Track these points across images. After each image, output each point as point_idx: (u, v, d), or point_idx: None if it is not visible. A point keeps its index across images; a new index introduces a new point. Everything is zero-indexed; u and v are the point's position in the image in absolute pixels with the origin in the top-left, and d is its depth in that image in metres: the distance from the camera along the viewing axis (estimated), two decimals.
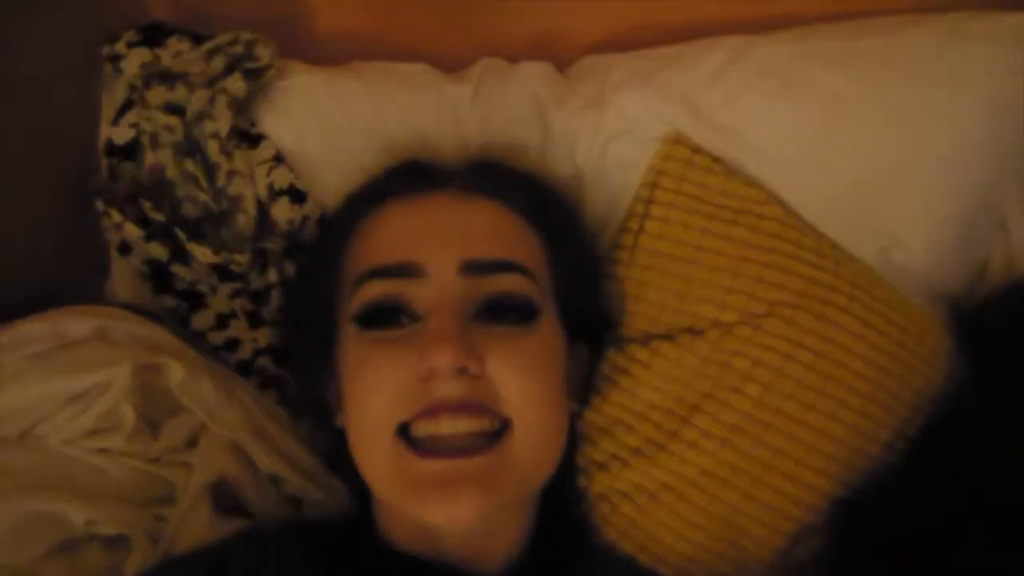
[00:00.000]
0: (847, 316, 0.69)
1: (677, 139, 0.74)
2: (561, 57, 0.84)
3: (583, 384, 0.72)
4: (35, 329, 0.66)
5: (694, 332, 0.70)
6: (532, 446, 0.61)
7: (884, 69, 0.73)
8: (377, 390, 0.60)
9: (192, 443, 0.69)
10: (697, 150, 0.74)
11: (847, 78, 0.73)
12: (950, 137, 0.71)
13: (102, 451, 0.65)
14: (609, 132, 0.75)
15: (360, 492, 0.68)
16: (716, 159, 0.73)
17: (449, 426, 0.58)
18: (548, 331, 0.65)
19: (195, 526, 0.65)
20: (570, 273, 0.70)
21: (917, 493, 0.66)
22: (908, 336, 0.71)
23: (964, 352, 0.73)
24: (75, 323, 0.67)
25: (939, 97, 0.72)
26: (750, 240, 0.71)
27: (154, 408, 0.68)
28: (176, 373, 0.66)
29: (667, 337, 0.71)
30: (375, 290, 0.63)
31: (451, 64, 0.83)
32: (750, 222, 0.72)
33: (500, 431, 0.60)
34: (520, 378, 0.60)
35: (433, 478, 0.57)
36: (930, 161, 0.72)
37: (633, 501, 0.69)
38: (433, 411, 0.58)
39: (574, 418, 0.71)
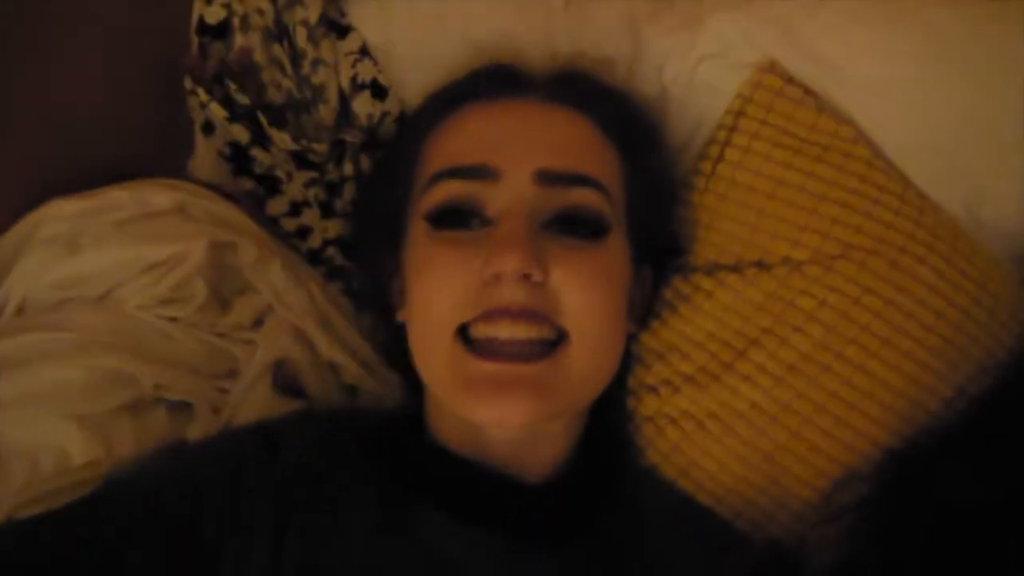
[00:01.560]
0: (923, 267, 0.68)
1: (770, 67, 0.73)
2: None
3: (644, 307, 0.73)
4: (120, 197, 0.70)
5: (762, 266, 0.70)
6: (587, 359, 0.62)
7: (999, 16, 0.70)
8: (441, 289, 0.62)
9: (258, 323, 0.72)
10: (789, 80, 0.72)
11: (959, 19, 0.71)
12: None
13: (173, 320, 0.69)
14: (701, 53, 0.74)
15: (414, 388, 0.71)
16: (808, 91, 0.72)
17: (508, 331, 0.60)
18: (616, 249, 0.66)
19: (255, 402, 0.69)
20: (645, 194, 0.70)
21: (977, 463, 0.65)
22: (984, 293, 0.70)
23: None
24: (157, 195, 0.71)
25: None
26: (833, 179, 0.70)
27: (225, 285, 0.71)
28: (248, 252, 0.69)
29: (734, 269, 0.71)
30: (449, 189, 0.64)
31: None
32: (836, 160, 0.70)
33: (557, 341, 0.62)
34: (582, 291, 0.62)
35: (487, 379, 0.60)
36: None
37: (680, 427, 0.71)
38: (493, 315, 0.60)
39: (630, 339, 0.72)
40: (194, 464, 0.61)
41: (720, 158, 0.73)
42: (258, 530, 0.57)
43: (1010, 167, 0.71)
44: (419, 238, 0.66)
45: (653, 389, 0.72)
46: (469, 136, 0.67)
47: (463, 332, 0.61)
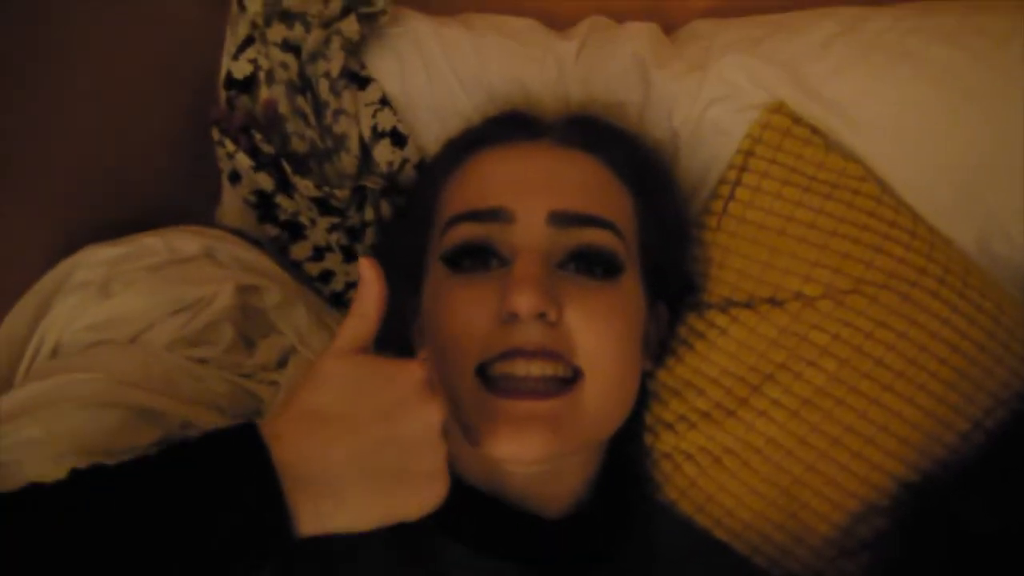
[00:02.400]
0: (935, 300, 0.70)
1: (778, 108, 0.75)
2: (671, 22, 0.85)
3: (660, 344, 0.75)
4: (151, 243, 0.73)
5: (775, 302, 0.72)
6: (602, 398, 0.64)
7: (1002, 50, 0.72)
8: (459, 330, 0.64)
9: (282, 364, 0.75)
10: (797, 120, 0.75)
11: (963, 55, 0.73)
12: None
13: (201, 361, 0.71)
14: (709, 96, 0.77)
15: None
16: (815, 130, 0.74)
17: (524, 369, 0.62)
18: (630, 288, 0.68)
19: None
20: (658, 234, 0.72)
21: (994, 496, 0.66)
22: (999, 327, 0.71)
23: None
24: (186, 241, 0.74)
25: None
26: (843, 215, 0.72)
27: (251, 327, 0.74)
28: (273, 296, 0.72)
29: (747, 305, 0.73)
30: (465, 232, 0.66)
31: (561, 22, 0.86)
32: (845, 197, 0.72)
33: (573, 379, 0.63)
34: (596, 330, 0.63)
35: (505, 416, 0.61)
36: None
37: (697, 463, 0.72)
38: (510, 354, 0.61)
39: (646, 377, 0.74)
40: None
41: (731, 197, 0.75)
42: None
43: (1020, 201, 0.73)
44: (437, 280, 0.68)
45: (670, 425, 0.73)
46: (484, 181, 0.69)
47: (482, 371, 0.63)
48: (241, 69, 0.82)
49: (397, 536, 0.62)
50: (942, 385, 0.69)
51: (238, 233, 0.80)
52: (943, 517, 0.66)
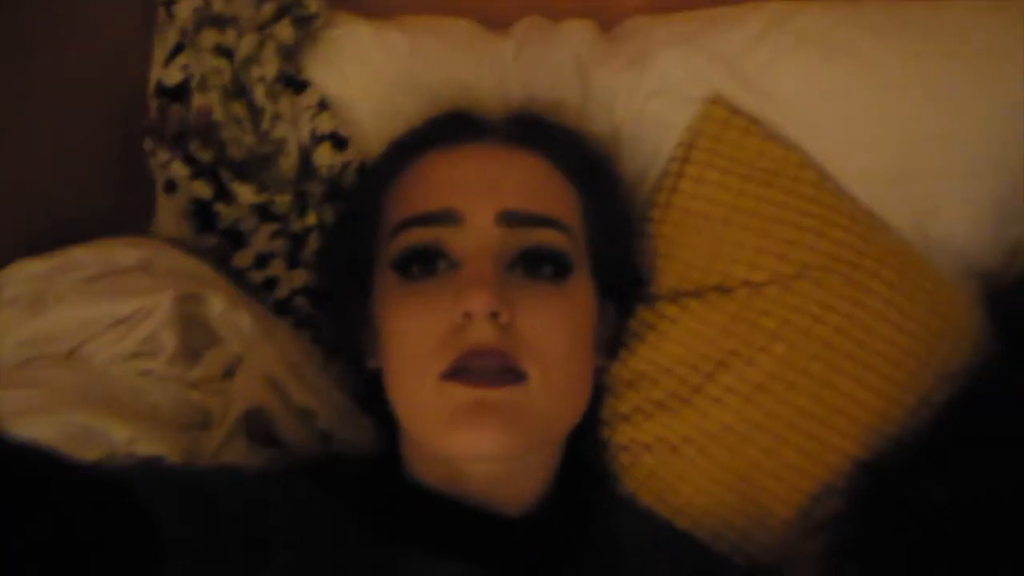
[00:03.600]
0: (877, 281, 0.72)
1: (716, 99, 0.77)
2: (608, 19, 0.87)
3: (612, 339, 0.75)
4: (84, 256, 0.71)
5: (723, 290, 0.73)
6: (553, 399, 0.64)
7: (925, 39, 0.76)
8: (416, 339, 0.63)
9: (229, 374, 0.73)
10: (735, 111, 0.77)
11: (888, 47, 0.76)
12: (989, 110, 0.74)
13: (143, 374, 0.69)
14: (648, 91, 0.78)
15: (388, 431, 0.72)
16: (754, 121, 0.77)
17: (480, 368, 0.62)
18: (580, 287, 0.68)
19: (231, 453, 0.69)
20: (605, 230, 0.73)
21: (943, 468, 0.68)
22: (938, 306, 0.73)
23: (995, 328, 0.75)
24: (122, 252, 0.72)
25: (980, 69, 0.75)
26: (784, 202, 0.74)
27: (194, 337, 0.72)
28: (216, 304, 0.71)
29: (696, 295, 0.74)
30: (413, 237, 0.66)
31: (497, 22, 0.87)
32: (785, 185, 0.74)
33: (523, 376, 0.63)
34: (547, 334, 0.64)
35: (461, 407, 0.61)
36: (969, 134, 0.76)
37: (654, 453, 0.73)
38: (466, 358, 0.61)
39: (599, 372, 0.74)
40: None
41: (675, 189, 0.76)
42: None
43: (953, 186, 0.76)
44: (387, 288, 0.67)
45: (626, 417, 0.74)
46: (430, 183, 0.69)
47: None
48: (172, 76, 0.81)
49: (361, 544, 0.62)
50: (889, 364, 0.71)
51: (176, 242, 0.78)
52: (896, 492, 0.68)
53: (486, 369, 0.61)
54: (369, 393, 0.75)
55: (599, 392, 0.75)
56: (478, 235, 0.65)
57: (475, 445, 0.61)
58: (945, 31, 0.77)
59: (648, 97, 0.79)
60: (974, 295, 0.76)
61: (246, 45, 0.79)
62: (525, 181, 0.69)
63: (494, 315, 0.61)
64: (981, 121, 0.75)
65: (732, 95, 0.78)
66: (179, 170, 0.77)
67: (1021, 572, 0.61)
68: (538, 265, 0.66)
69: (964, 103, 0.75)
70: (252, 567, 0.56)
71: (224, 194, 0.78)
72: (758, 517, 0.71)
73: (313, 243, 0.80)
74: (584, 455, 0.74)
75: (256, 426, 0.71)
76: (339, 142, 0.81)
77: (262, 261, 0.79)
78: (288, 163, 0.80)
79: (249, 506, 0.59)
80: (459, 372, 0.61)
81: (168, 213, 0.81)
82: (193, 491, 0.55)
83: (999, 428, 0.69)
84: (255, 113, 0.80)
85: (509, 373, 0.62)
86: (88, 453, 0.64)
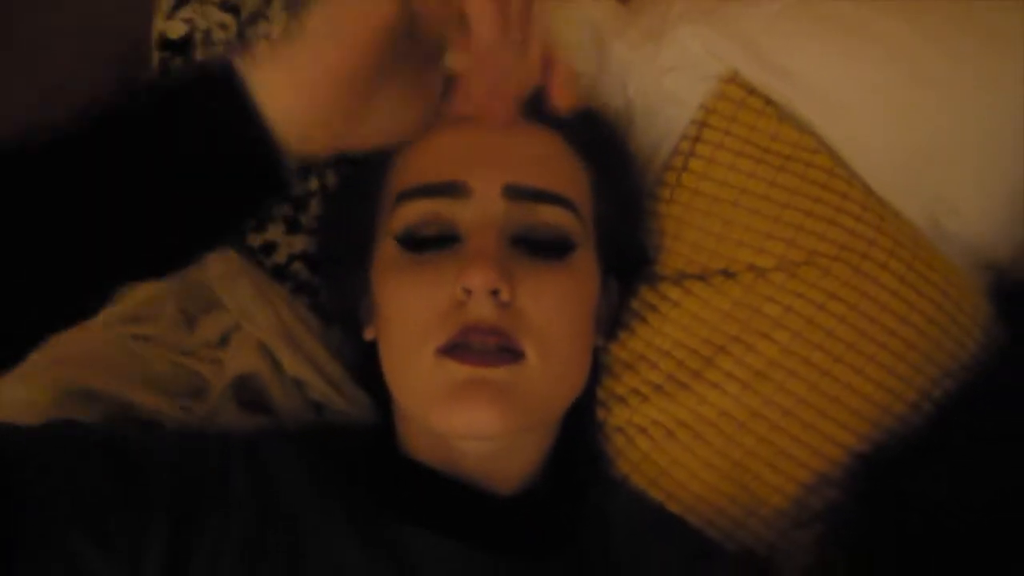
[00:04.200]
0: (885, 272, 0.71)
1: (732, 78, 0.75)
2: None
3: (612, 319, 0.75)
4: None
5: (728, 274, 0.72)
6: (551, 378, 0.64)
7: (953, 26, 0.74)
8: (415, 312, 0.63)
9: (225, 341, 0.73)
10: (751, 91, 0.75)
11: (912, 31, 0.74)
12: (1011, 102, 0.72)
13: (141, 338, 0.69)
14: (664, 66, 0.77)
15: (383, 404, 0.72)
16: (769, 102, 0.75)
17: (478, 345, 0.61)
18: (583, 266, 0.68)
19: (222, 419, 0.69)
20: (613, 208, 0.72)
21: (943, 465, 0.68)
22: (946, 299, 0.72)
23: (1004, 323, 0.75)
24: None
25: (1006, 59, 0.73)
26: (796, 187, 0.73)
27: (192, 302, 0.72)
28: (215, 266, 0.70)
29: (700, 277, 0.73)
30: (418, 209, 0.65)
31: None
32: (797, 169, 0.73)
33: (521, 354, 0.63)
34: (547, 312, 0.63)
35: (459, 385, 0.61)
36: (991, 125, 0.74)
37: (649, 436, 0.73)
38: (465, 334, 0.61)
39: (599, 351, 0.74)
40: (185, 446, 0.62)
41: (684, 168, 0.75)
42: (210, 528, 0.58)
43: (969, 177, 0.75)
44: (388, 258, 0.67)
45: (622, 399, 0.74)
46: (437, 153, 0.68)
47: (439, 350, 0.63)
48: (176, 29, 0.80)
49: (352, 518, 0.62)
50: (891, 356, 0.70)
51: None
52: (894, 487, 0.68)
53: (484, 347, 0.61)
54: (365, 364, 0.75)
55: (597, 371, 0.74)
56: (483, 208, 0.64)
57: (470, 423, 0.61)
58: (972, 19, 0.75)
59: (664, 72, 0.77)
60: (984, 289, 0.76)
61: (253, 0, 0.78)
62: (534, 155, 0.68)
63: (495, 292, 0.61)
64: (1001, 113, 0.73)
65: (749, 73, 0.76)
66: None
67: (1020, 571, 0.62)
68: (542, 242, 0.65)
69: (986, 93, 0.74)
70: (188, 523, 0.57)
71: None
72: (751, 505, 0.71)
73: (315, 208, 0.79)
74: (579, 435, 0.74)
75: (247, 392, 0.71)
76: None
77: (261, 224, 0.79)
78: None
79: (188, 464, 0.61)
80: (457, 348, 0.61)
81: None
82: (111, 448, 0.58)
83: (1002, 425, 0.69)
84: None
85: (507, 352, 0.62)
86: (79, 415, 0.64)
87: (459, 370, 0.61)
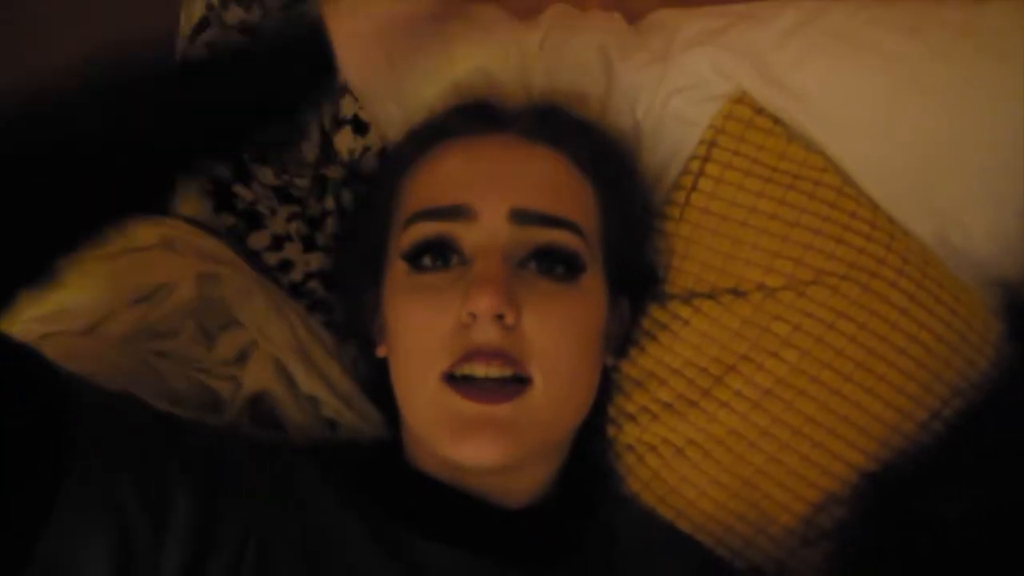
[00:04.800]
0: (894, 291, 0.72)
1: (740, 98, 0.76)
2: (633, 11, 0.86)
3: (622, 338, 0.76)
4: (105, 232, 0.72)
5: (737, 293, 0.73)
6: (556, 402, 0.65)
7: (961, 42, 0.75)
8: (421, 336, 0.65)
9: (242, 358, 0.74)
10: (759, 111, 0.76)
11: (922, 48, 0.75)
12: (1019, 116, 0.72)
13: (160, 354, 0.71)
14: (672, 87, 0.78)
15: (393, 420, 0.73)
16: (777, 121, 0.76)
17: (483, 370, 0.63)
18: (591, 287, 0.69)
19: None
20: (621, 228, 0.73)
21: (953, 485, 0.68)
22: (956, 317, 0.73)
23: (1014, 341, 0.75)
24: (142, 230, 0.74)
25: (1015, 73, 0.73)
26: (804, 206, 0.74)
27: (210, 319, 0.73)
28: (233, 283, 0.72)
29: (710, 296, 0.74)
30: (425, 230, 0.67)
31: (524, 10, 0.86)
32: (806, 188, 0.74)
33: (526, 379, 0.64)
34: (553, 336, 0.64)
35: (464, 420, 0.62)
36: (1000, 141, 0.74)
37: (659, 454, 0.73)
38: (470, 357, 0.62)
39: (609, 370, 0.75)
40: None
41: (694, 188, 0.76)
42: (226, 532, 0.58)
43: (978, 194, 0.75)
44: (397, 278, 0.68)
45: (632, 417, 0.75)
46: (445, 175, 0.69)
47: (445, 374, 0.64)
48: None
49: (375, 530, 0.63)
50: (901, 375, 0.71)
51: (194, 222, 0.79)
52: (903, 506, 0.68)
53: (488, 378, 0.62)
54: (376, 380, 0.77)
55: (608, 389, 0.75)
56: (489, 231, 0.66)
57: (475, 458, 0.62)
58: (981, 33, 0.75)
59: (672, 93, 0.78)
60: (994, 306, 0.76)
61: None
62: (541, 178, 0.69)
63: (499, 317, 0.62)
64: (1010, 130, 0.73)
65: (758, 93, 0.77)
66: None
67: None
68: (549, 264, 0.66)
69: (995, 109, 0.74)
70: (212, 509, 0.56)
71: (243, 175, 0.79)
72: (760, 523, 0.72)
73: (330, 227, 0.81)
74: (590, 452, 0.75)
75: (261, 409, 0.73)
76: (360, 126, 0.81)
77: (278, 243, 0.81)
78: (309, 146, 0.81)
79: (220, 453, 0.61)
80: (462, 382, 0.62)
81: (188, 192, 0.82)
82: (162, 419, 0.60)
83: (1011, 444, 0.69)
84: None
85: (511, 383, 0.63)
86: None
87: (465, 406, 0.62)
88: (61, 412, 0.51)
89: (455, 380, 0.63)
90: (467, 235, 0.66)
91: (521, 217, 0.66)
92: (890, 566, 0.67)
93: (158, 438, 0.57)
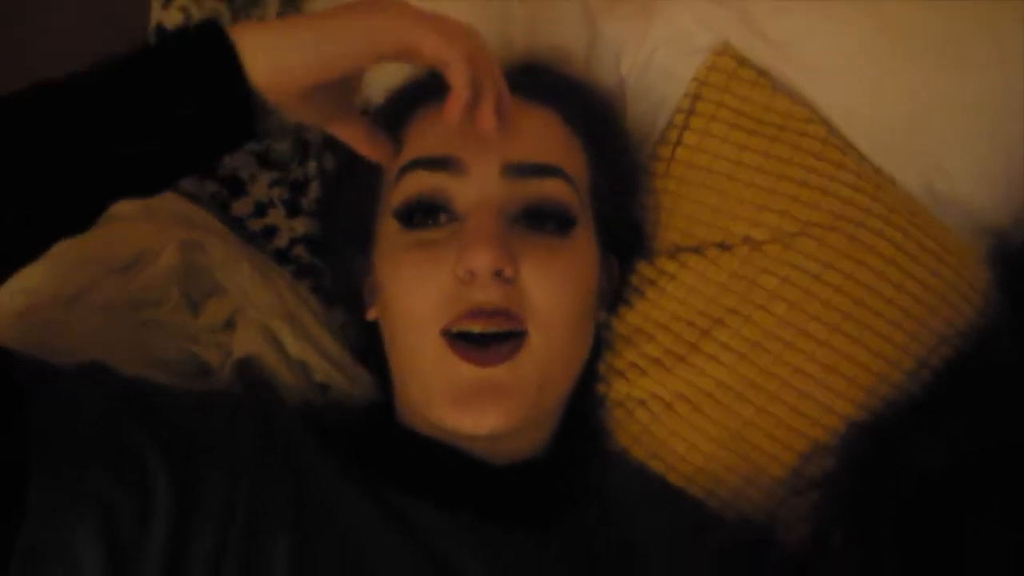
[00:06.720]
0: (881, 240, 0.72)
1: (724, 50, 0.77)
2: None
3: (612, 295, 0.77)
4: None
5: (724, 247, 0.74)
6: (552, 360, 0.66)
7: None
8: (418, 293, 0.65)
9: (229, 325, 0.75)
10: (743, 62, 0.76)
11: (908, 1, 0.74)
12: (1007, 74, 0.73)
13: (144, 323, 0.71)
14: (656, 39, 0.78)
15: (384, 382, 0.74)
16: (762, 73, 0.76)
17: (481, 326, 0.63)
18: (583, 242, 0.69)
19: None
20: (610, 184, 0.74)
21: (940, 432, 0.69)
22: (943, 266, 0.73)
23: (1003, 289, 0.75)
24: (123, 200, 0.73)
25: (1011, 32, 0.73)
26: (790, 158, 0.74)
27: (195, 286, 0.74)
28: (217, 250, 0.72)
29: (696, 251, 0.75)
30: (417, 182, 0.67)
31: None
32: (791, 139, 0.74)
33: (523, 332, 0.65)
34: (551, 289, 0.65)
35: (464, 385, 0.63)
36: (983, 89, 0.75)
37: (649, 409, 0.74)
38: (471, 315, 0.63)
39: (601, 327, 0.76)
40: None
41: (679, 142, 0.76)
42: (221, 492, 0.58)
43: (964, 142, 0.76)
44: (389, 238, 0.69)
45: (621, 373, 0.76)
46: (435, 130, 0.70)
47: (444, 331, 0.64)
48: (172, 18, 0.82)
49: (371, 492, 0.64)
50: (888, 325, 0.72)
51: (175, 190, 0.79)
52: (891, 454, 0.69)
53: (487, 333, 0.63)
54: (367, 344, 0.77)
55: (598, 347, 0.76)
56: (482, 187, 0.66)
57: (476, 426, 0.63)
58: None
59: (656, 46, 0.78)
60: (982, 255, 0.77)
61: None
62: (530, 132, 0.70)
63: (498, 272, 0.63)
64: (992, 75, 0.74)
65: (741, 44, 0.77)
66: None
67: (1014, 539, 0.63)
68: (542, 219, 0.67)
69: (976, 55, 0.75)
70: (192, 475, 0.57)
71: None
72: (750, 475, 0.73)
73: (314, 191, 0.81)
74: (581, 409, 0.76)
75: (252, 375, 0.74)
76: None
77: (262, 209, 0.81)
78: None
79: (200, 419, 0.61)
80: (460, 339, 0.63)
81: None
82: (134, 392, 0.60)
83: (999, 392, 0.70)
84: None
85: (509, 338, 0.63)
86: None
87: (464, 370, 0.63)
88: (15, 409, 0.52)
89: (453, 337, 0.63)
90: (459, 191, 0.66)
91: (513, 170, 0.66)
92: (878, 513, 0.69)
93: (128, 417, 0.57)
